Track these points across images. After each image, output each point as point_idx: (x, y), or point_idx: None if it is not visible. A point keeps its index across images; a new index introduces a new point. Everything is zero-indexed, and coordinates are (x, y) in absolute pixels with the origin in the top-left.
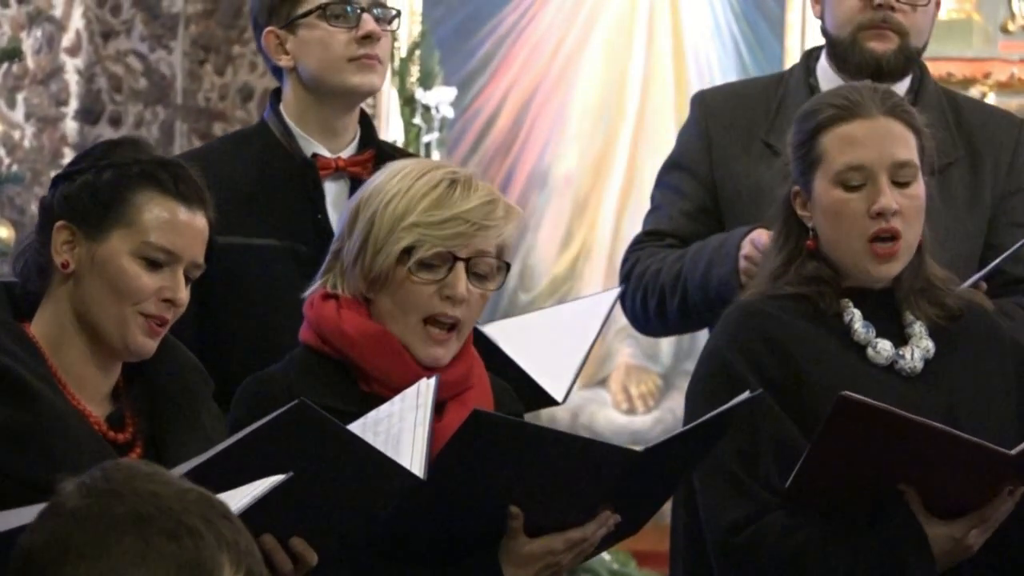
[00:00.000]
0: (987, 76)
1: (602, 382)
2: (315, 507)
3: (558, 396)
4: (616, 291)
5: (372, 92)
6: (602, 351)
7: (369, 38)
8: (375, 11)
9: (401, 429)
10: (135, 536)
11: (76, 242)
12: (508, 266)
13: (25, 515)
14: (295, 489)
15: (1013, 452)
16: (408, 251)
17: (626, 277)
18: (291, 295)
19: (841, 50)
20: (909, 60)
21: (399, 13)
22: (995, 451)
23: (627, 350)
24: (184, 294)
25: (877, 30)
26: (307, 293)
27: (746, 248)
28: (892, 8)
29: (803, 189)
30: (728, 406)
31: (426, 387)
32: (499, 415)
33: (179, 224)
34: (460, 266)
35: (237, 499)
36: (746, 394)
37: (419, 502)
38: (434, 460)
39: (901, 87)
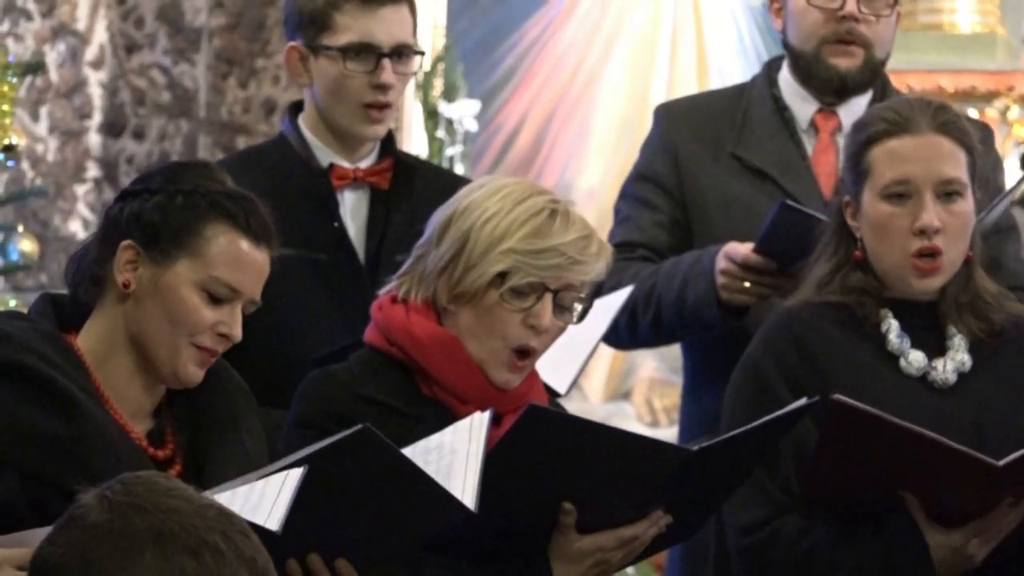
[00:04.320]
0: (1011, 89)
1: (625, 395)
2: (363, 530)
3: (560, 388)
4: (628, 289)
5: (377, 138)
6: (626, 364)
7: (383, 87)
8: (397, 54)
9: (452, 461)
10: (156, 552)
11: (140, 263)
12: (591, 302)
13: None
14: (347, 511)
15: (1001, 463)
16: (502, 276)
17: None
18: (309, 303)
19: (804, 64)
20: (874, 73)
21: (423, 53)
22: (983, 461)
23: (650, 363)
24: (239, 331)
25: (842, 44)
26: (382, 291)
27: (721, 263)
28: (856, 20)
29: (853, 200)
30: (783, 412)
31: (479, 420)
32: (554, 410)
33: (246, 261)
34: (548, 297)
35: (267, 504)
36: (802, 401)
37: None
38: (489, 453)
39: (863, 101)
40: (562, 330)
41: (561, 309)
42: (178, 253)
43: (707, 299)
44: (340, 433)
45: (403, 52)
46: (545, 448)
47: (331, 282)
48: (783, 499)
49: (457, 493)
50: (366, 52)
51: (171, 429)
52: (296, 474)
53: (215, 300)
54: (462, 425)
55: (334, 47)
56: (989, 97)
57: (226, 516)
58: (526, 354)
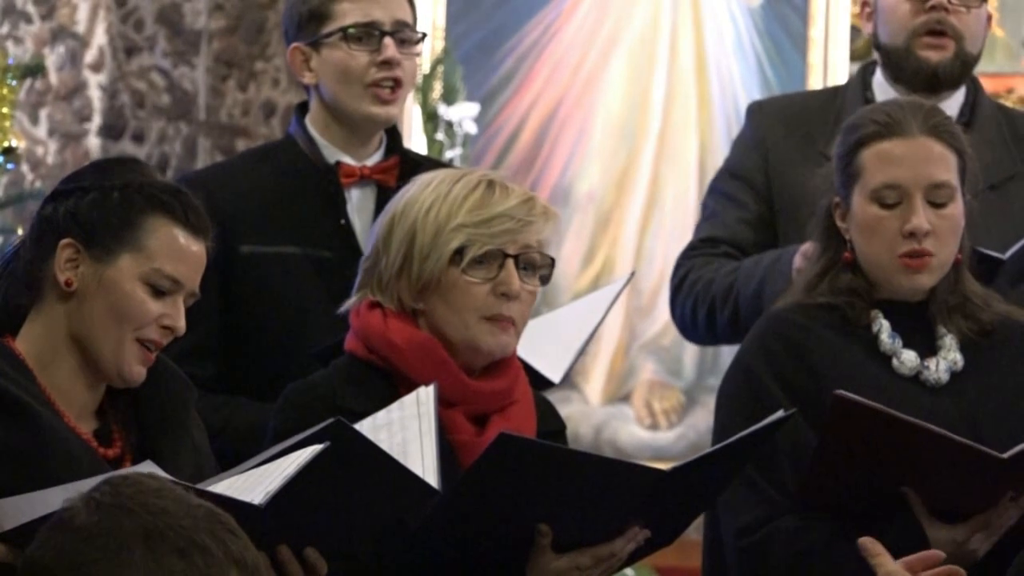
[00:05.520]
0: (1010, 91)
1: (625, 398)
2: (333, 518)
3: (554, 377)
4: (622, 281)
5: (389, 122)
6: (625, 367)
7: (388, 63)
8: (400, 34)
9: (405, 439)
10: (145, 553)
11: (80, 261)
12: (553, 261)
13: (41, 499)
14: (318, 501)
15: (1005, 456)
16: (459, 252)
17: (679, 284)
18: (315, 301)
19: (896, 59)
20: (965, 67)
21: (424, 36)
22: (986, 454)
23: (650, 366)
24: (183, 323)
25: (932, 37)
26: (344, 308)
27: (798, 262)
28: (946, 10)
29: (843, 201)
30: (758, 426)
31: (426, 395)
32: (526, 438)
33: (187, 253)
34: (510, 262)
35: (281, 471)
36: (779, 414)
37: (446, 519)
38: (462, 479)
39: (955, 101)
40: (533, 295)
41: (527, 271)
42: (120, 248)
43: None
44: (312, 428)
45: (404, 31)
46: (517, 474)
47: (336, 280)
48: (780, 500)
49: (416, 472)
50: (368, 32)
51: (117, 427)
52: (313, 450)
53: (158, 293)
54: (408, 401)
55: (335, 31)
56: None
57: (214, 516)
58: (506, 321)
